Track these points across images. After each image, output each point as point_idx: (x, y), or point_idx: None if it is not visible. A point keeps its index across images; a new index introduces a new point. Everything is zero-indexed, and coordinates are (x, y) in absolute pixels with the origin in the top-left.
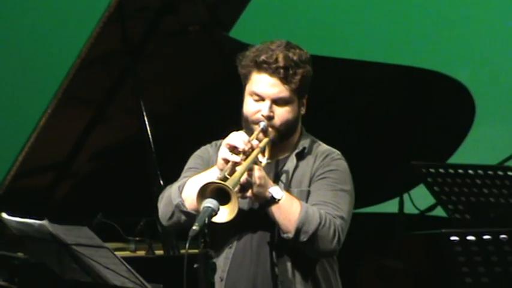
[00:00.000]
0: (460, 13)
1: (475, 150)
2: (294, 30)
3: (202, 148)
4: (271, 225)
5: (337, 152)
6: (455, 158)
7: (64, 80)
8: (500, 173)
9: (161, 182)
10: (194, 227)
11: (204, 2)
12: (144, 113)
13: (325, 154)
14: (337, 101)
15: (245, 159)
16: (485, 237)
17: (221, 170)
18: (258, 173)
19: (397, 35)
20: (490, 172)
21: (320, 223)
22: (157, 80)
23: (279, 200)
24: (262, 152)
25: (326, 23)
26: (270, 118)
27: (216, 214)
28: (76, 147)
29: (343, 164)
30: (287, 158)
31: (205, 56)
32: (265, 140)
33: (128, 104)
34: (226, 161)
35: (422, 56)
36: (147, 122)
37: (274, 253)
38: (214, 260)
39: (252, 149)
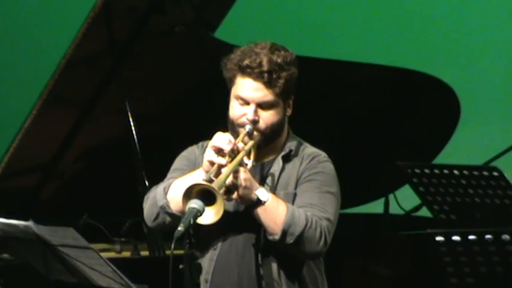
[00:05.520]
0: (445, 13)
1: (461, 150)
2: (281, 31)
3: (189, 149)
4: (256, 227)
5: (324, 154)
6: (441, 159)
7: (50, 81)
8: (486, 173)
9: (146, 182)
10: (179, 228)
11: (190, 3)
12: (130, 114)
13: (312, 156)
14: (323, 102)
15: (231, 162)
16: (471, 237)
17: (207, 171)
18: (243, 175)
19: (383, 35)
20: (475, 172)
21: (306, 225)
22: (144, 81)
23: (264, 202)
24: (248, 154)
25: (312, 23)
26: (255, 122)
27: (201, 215)
28: (62, 147)
29: (329, 166)
30: (273, 160)
31: (191, 57)
32: (251, 143)
33: (113, 104)
34: (212, 163)
35: (407, 57)
36: (132, 123)
37: (259, 255)
38: (199, 261)
39: (238, 151)
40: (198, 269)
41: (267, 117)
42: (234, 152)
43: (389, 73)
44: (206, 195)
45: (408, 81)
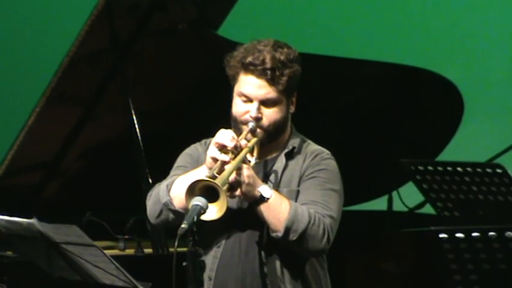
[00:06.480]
0: (448, 10)
1: (464, 147)
2: (283, 28)
3: (192, 146)
4: (260, 224)
5: (327, 151)
6: (444, 156)
7: (53, 78)
8: (489, 170)
9: (150, 180)
10: (183, 225)
11: (192, 0)
12: (133, 111)
13: (315, 154)
14: (325, 99)
15: (234, 158)
16: (474, 234)
17: (210, 168)
18: (246, 171)
19: (385, 32)
20: (478, 169)
21: (309, 222)
22: (146, 78)
23: (268, 198)
24: (251, 151)
25: (314, 20)
26: (258, 119)
27: (204, 212)
28: (65, 145)
29: (332, 164)
30: (276, 157)
31: (194, 54)
32: (254, 140)
33: (116, 102)
34: (215, 160)
35: (410, 54)
36: (135, 120)
37: (263, 252)
38: (203, 259)
39: (241, 148)
40: (202, 266)
41: (270, 115)
42: (237, 149)
43: (392, 70)
44: (209, 192)
45: (411, 79)
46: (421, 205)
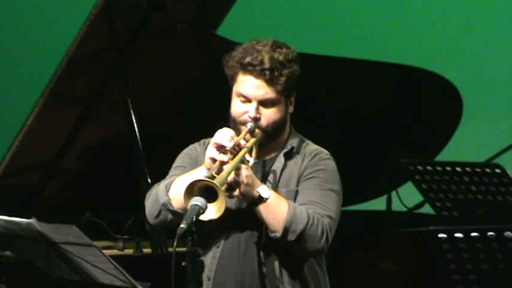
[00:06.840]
0: (447, 10)
1: (463, 147)
2: (282, 28)
3: (191, 146)
4: (258, 224)
5: (326, 151)
6: (443, 156)
7: (52, 78)
8: (488, 170)
9: (148, 179)
10: (182, 225)
11: (192, 0)
12: (132, 111)
13: (314, 154)
14: (325, 99)
15: (232, 159)
16: (473, 234)
17: (208, 169)
18: (245, 172)
19: (384, 32)
20: (477, 169)
21: (308, 222)
22: (146, 78)
23: (266, 199)
24: (250, 152)
25: (314, 20)
26: (256, 119)
27: (203, 212)
28: (64, 145)
29: (331, 164)
30: (275, 157)
31: (193, 54)
32: (252, 140)
33: (115, 102)
34: (214, 160)
35: (409, 54)
36: (134, 120)
37: (261, 252)
38: (202, 259)
39: (240, 148)
40: (201, 266)
41: (269, 115)
42: (235, 149)
43: (391, 70)
44: (208, 192)
45: (410, 79)
46: (420, 205)
